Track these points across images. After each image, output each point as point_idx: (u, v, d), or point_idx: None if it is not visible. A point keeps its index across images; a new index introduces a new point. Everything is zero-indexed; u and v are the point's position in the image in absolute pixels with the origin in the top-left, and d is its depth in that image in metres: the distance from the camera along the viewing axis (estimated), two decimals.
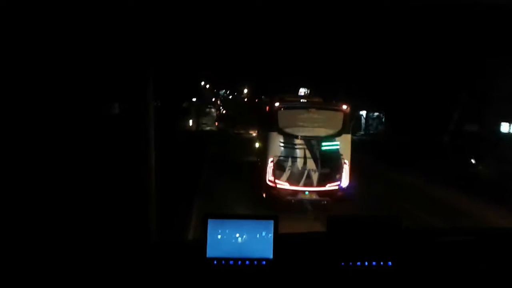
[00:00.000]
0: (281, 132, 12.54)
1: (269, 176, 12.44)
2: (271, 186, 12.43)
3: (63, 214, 7.52)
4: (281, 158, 12.47)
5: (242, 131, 36.69)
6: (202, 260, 3.62)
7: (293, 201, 12.54)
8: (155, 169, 4.73)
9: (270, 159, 12.46)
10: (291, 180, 12.45)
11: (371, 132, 43.78)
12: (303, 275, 3.80)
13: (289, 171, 12.45)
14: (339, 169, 12.43)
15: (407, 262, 3.86)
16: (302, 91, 35.51)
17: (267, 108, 13.32)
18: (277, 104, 12.80)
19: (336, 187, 12.40)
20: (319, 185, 12.38)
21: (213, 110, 42.13)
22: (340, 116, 12.71)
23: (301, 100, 13.92)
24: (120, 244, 3.83)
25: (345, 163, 12.45)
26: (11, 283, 3.41)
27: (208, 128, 40.16)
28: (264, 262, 3.71)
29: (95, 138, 14.63)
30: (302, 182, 12.42)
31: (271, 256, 3.72)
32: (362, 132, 42.74)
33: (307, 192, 12.47)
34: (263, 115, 13.88)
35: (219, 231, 3.67)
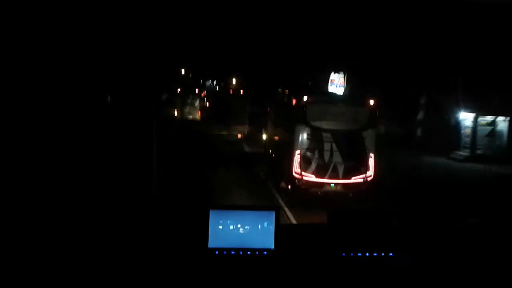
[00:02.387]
0: (309, 125, 12.56)
1: (296, 168, 12.48)
2: (297, 178, 12.47)
3: (60, 210, 7.70)
4: (308, 150, 12.49)
5: (224, 132, 28.31)
6: (203, 250, 3.69)
7: (319, 193, 12.56)
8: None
9: (297, 152, 12.49)
10: (317, 172, 12.46)
11: (483, 152, 23.13)
12: (305, 265, 3.84)
13: (316, 164, 12.47)
14: (364, 163, 12.40)
15: (408, 254, 3.84)
16: (336, 77, 27.12)
17: (294, 101, 13.32)
18: (305, 97, 12.82)
19: (361, 180, 12.36)
20: (344, 177, 12.38)
21: (196, 100, 42.10)
22: (366, 110, 12.72)
23: (329, 94, 13.91)
24: (122, 237, 3.93)
25: (370, 156, 12.42)
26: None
27: (191, 117, 40.19)
28: (265, 253, 3.75)
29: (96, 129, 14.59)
30: (328, 175, 12.43)
31: (272, 247, 3.76)
32: (465, 153, 23.45)
33: (332, 185, 12.47)
34: (289, 108, 13.89)
35: (221, 221, 3.73)
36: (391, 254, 3.82)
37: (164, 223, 4.16)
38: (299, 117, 12.71)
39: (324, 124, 12.53)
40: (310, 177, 12.47)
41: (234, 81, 51.20)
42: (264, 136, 19.79)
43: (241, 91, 37.43)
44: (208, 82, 61.75)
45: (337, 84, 26.80)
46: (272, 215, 3.79)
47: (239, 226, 3.75)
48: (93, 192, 9.50)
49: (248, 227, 3.76)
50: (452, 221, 4.76)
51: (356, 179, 12.40)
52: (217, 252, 3.70)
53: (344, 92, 24.49)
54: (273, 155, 16.32)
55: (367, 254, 3.82)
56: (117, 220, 4.10)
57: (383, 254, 3.82)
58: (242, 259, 3.72)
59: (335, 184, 12.47)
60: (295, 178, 12.53)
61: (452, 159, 23.21)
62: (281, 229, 3.78)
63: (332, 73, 26.93)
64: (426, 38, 22.43)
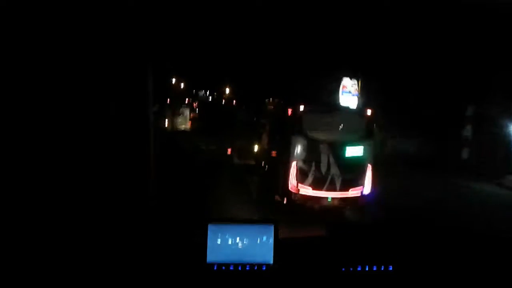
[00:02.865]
0: (306, 136, 12.49)
1: (292, 181, 12.41)
2: (293, 192, 12.39)
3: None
4: (305, 162, 12.41)
5: (213, 147, 25.25)
6: (202, 265, 3.68)
7: (315, 207, 12.47)
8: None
9: (293, 163, 12.42)
10: (314, 185, 12.39)
11: None
12: (304, 280, 3.84)
13: (313, 176, 12.39)
14: (362, 174, 12.38)
15: (407, 267, 3.86)
16: (349, 83, 22.24)
17: (290, 111, 13.30)
18: (302, 107, 12.77)
19: (359, 193, 12.34)
20: (342, 190, 12.31)
21: (187, 110, 42.75)
22: (364, 120, 12.71)
23: (326, 104, 13.89)
24: (119, 252, 3.92)
25: (368, 168, 12.41)
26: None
27: (182, 126, 40.93)
28: (264, 267, 3.75)
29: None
30: (325, 187, 12.35)
31: (271, 261, 3.76)
32: None
33: (330, 198, 12.41)
34: (284, 118, 13.87)
35: (219, 236, 3.73)
36: (390, 267, 3.84)
37: (162, 237, 4.16)
38: (295, 127, 12.65)
39: (321, 135, 12.49)
40: (307, 190, 12.41)
41: (227, 90, 51.01)
42: (256, 147, 19.60)
43: (234, 101, 36.30)
44: (201, 92, 61.51)
45: (350, 91, 22.54)
46: (271, 229, 3.79)
47: (237, 240, 3.76)
48: (90, 204, 9.46)
49: (246, 241, 3.76)
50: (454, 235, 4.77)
51: (354, 192, 12.38)
52: (215, 267, 3.70)
53: (358, 101, 21.68)
54: (266, 167, 16.24)
55: (367, 268, 3.83)
56: (114, 234, 4.10)
57: (382, 267, 3.84)
58: (240, 274, 3.72)
59: (332, 197, 12.41)
60: (291, 191, 12.45)
61: (504, 186, 17.80)
62: (280, 243, 3.79)
63: (345, 79, 22.55)
64: (468, 35, 18.03)
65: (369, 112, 12.78)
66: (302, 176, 12.39)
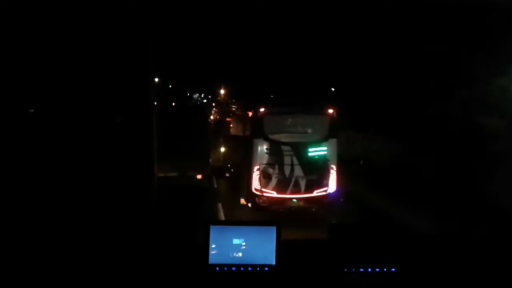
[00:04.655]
0: (267, 138, 12.70)
1: (255, 185, 12.58)
2: (258, 195, 12.58)
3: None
4: (267, 165, 12.61)
5: (173, 174, 16.11)
6: (204, 267, 3.83)
7: (281, 209, 12.73)
8: None
9: (256, 167, 12.60)
10: (278, 187, 12.62)
11: None
12: (306, 281, 4.02)
13: (276, 179, 12.62)
14: (326, 175, 12.71)
15: (410, 268, 4.09)
16: None
17: (250, 113, 13.50)
18: (262, 109, 12.95)
19: (324, 193, 12.67)
20: (306, 191, 12.61)
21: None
22: (326, 120, 13.02)
23: (286, 105, 14.09)
24: (122, 254, 4.02)
25: (332, 168, 12.75)
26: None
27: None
28: (266, 269, 3.92)
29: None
30: (289, 190, 12.61)
31: (273, 263, 3.93)
32: None
33: (294, 200, 12.68)
34: (246, 120, 14.03)
35: (222, 237, 3.89)
36: (393, 269, 4.05)
37: (164, 239, 4.26)
38: (257, 130, 12.87)
39: (283, 137, 12.73)
40: (271, 193, 12.63)
41: (222, 91, 49.90)
42: (222, 149, 19.67)
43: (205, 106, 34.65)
44: (196, 95, 59.73)
45: None
46: (273, 231, 3.97)
47: (240, 241, 3.91)
48: (94, 208, 9.34)
49: (249, 243, 3.91)
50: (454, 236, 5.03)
51: (319, 193, 12.69)
52: (217, 268, 3.84)
53: None
54: (232, 170, 16.37)
55: (369, 269, 4.03)
56: (117, 236, 4.17)
57: (385, 269, 4.04)
58: (243, 275, 3.87)
59: (297, 199, 12.69)
60: (255, 195, 12.64)
61: None
62: (282, 245, 3.96)
63: None
64: None
65: (331, 111, 13.11)
66: (265, 180, 12.60)
